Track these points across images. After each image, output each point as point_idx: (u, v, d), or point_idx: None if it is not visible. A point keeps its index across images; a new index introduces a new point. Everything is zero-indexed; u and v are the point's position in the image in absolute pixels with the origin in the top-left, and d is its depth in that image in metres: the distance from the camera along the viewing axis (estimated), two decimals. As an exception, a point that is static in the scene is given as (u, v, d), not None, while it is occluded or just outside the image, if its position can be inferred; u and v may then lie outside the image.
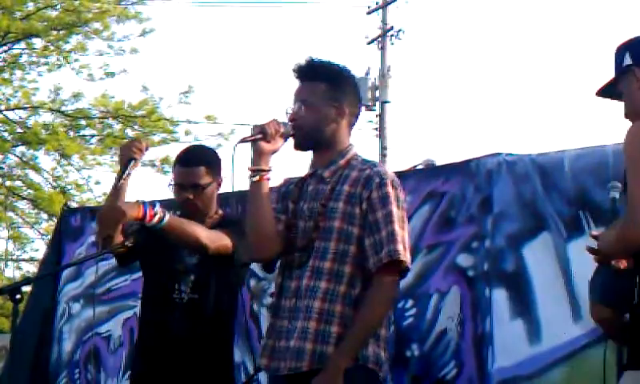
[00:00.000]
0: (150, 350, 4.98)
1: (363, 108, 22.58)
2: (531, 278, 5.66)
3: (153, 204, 4.66)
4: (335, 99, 4.11)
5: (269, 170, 4.07)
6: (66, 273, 7.96)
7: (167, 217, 4.65)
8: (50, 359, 7.95)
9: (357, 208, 3.98)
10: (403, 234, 3.96)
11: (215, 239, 4.76)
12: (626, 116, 3.46)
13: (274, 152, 4.07)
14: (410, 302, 6.17)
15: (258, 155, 4.04)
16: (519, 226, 5.79)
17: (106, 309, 7.71)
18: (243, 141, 4.09)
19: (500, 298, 5.77)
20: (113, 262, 7.44)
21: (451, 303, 6.01)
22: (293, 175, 4.29)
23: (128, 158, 4.71)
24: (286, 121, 4.13)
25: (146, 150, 4.80)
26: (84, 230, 7.98)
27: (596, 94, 3.59)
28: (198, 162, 5.00)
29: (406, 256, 3.93)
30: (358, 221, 3.97)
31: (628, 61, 3.44)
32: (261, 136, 4.04)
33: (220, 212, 5.13)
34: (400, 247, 3.91)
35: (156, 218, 4.61)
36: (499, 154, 5.99)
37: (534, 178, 5.79)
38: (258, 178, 4.03)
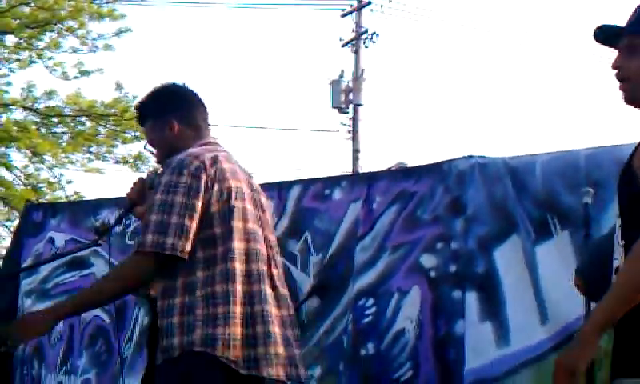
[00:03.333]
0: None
1: (336, 111, 22.60)
2: (501, 280, 5.67)
3: None
4: (164, 122, 4.16)
5: None
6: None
7: None
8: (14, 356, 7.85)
9: None
10: (166, 220, 3.83)
11: None
12: (617, 68, 3.03)
13: None
14: (371, 301, 6.18)
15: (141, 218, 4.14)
16: (490, 228, 5.80)
17: (52, 303, 7.65)
18: (118, 223, 4.48)
19: (471, 299, 5.77)
20: (66, 257, 7.51)
21: (411, 303, 6.03)
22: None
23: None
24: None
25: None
26: (44, 226, 7.91)
27: (597, 28, 3.21)
28: None
29: (153, 247, 3.79)
30: None
31: None
32: (130, 206, 4.23)
33: None
34: (148, 238, 3.80)
35: None
36: (472, 156, 6.00)
37: (505, 180, 5.80)
38: None
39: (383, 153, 39.25)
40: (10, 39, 18.89)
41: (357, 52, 23.70)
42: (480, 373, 5.64)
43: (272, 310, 3.90)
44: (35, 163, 19.60)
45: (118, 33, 18.86)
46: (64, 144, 19.38)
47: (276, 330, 3.89)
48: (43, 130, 19.38)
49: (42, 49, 18.93)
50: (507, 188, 5.77)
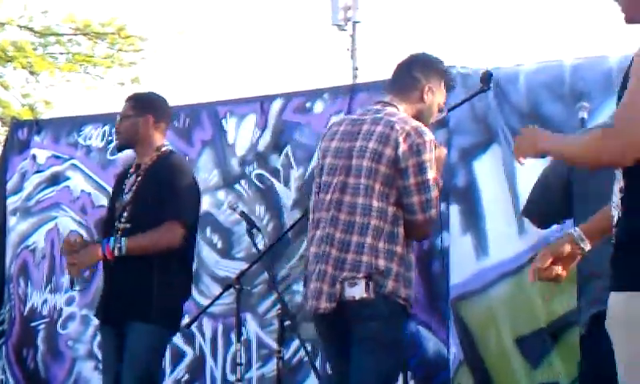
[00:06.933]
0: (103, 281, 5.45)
1: (336, 28, 22.45)
2: (480, 192, 5.64)
3: (107, 240, 5.12)
4: None
5: None
6: (9, 186, 7.84)
7: (124, 246, 5.08)
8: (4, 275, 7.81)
9: None
10: None
11: (171, 237, 5.11)
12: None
13: None
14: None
15: None
16: (471, 140, 5.73)
17: (34, 220, 7.67)
18: None
19: (454, 212, 5.72)
20: (46, 173, 7.57)
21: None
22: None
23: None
24: None
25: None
26: (29, 143, 7.80)
27: None
28: (128, 99, 5.53)
29: None
30: None
31: None
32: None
33: (165, 149, 5.41)
34: None
35: (115, 252, 5.07)
36: (453, 67, 5.87)
37: (487, 91, 5.69)
38: None
39: (383, 70, 38.86)
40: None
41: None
42: (462, 287, 5.61)
43: (317, 250, 4.49)
44: (32, 83, 19.50)
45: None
46: (61, 64, 19.28)
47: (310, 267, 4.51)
48: (40, 50, 19.27)
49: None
50: (489, 99, 5.68)
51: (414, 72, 4.73)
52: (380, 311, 4.33)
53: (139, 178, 5.29)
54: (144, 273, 5.10)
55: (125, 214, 5.22)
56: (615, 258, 2.85)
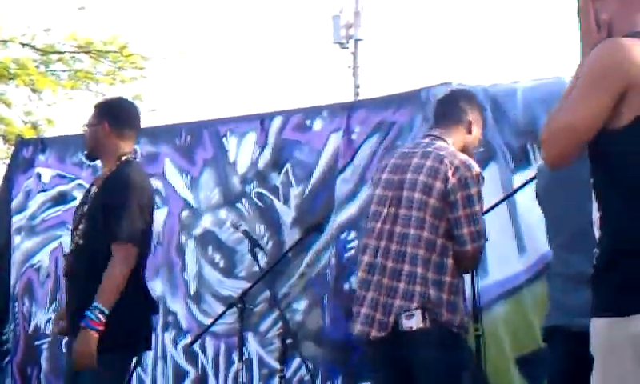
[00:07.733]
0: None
1: (337, 46, 22.50)
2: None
3: (88, 316, 4.73)
4: None
5: None
6: (14, 205, 7.88)
7: (102, 307, 4.75)
8: (9, 293, 7.85)
9: None
10: None
11: (128, 263, 4.87)
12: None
13: None
14: (353, 234, 6.13)
15: None
16: (468, 156, 5.72)
17: (39, 239, 7.71)
18: None
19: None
20: (52, 192, 7.60)
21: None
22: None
23: None
24: None
25: None
26: (33, 162, 7.86)
27: None
28: (95, 106, 5.42)
29: None
30: None
31: None
32: None
33: (124, 158, 5.16)
34: None
35: (102, 318, 4.74)
36: (449, 83, 5.88)
37: (485, 108, 5.69)
38: None
39: (384, 88, 38.91)
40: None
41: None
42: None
43: (364, 276, 4.65)
44: (34, 101, 19.52)
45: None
46: (63, 81, 19.31)
47: (364, 293, 4.63)
48: (42, 68, 19.30)
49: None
50: (486, 116, 5.66)
51: (462, 106, 4.88)
52: (436, 339, 4.47)
53: (97, 191, 5.11)
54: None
55: (80, 227, 5.05)
56: (596, 280, 2.85)
